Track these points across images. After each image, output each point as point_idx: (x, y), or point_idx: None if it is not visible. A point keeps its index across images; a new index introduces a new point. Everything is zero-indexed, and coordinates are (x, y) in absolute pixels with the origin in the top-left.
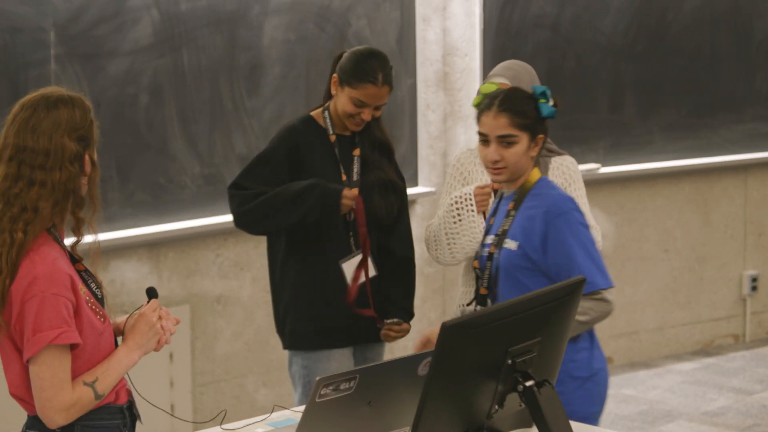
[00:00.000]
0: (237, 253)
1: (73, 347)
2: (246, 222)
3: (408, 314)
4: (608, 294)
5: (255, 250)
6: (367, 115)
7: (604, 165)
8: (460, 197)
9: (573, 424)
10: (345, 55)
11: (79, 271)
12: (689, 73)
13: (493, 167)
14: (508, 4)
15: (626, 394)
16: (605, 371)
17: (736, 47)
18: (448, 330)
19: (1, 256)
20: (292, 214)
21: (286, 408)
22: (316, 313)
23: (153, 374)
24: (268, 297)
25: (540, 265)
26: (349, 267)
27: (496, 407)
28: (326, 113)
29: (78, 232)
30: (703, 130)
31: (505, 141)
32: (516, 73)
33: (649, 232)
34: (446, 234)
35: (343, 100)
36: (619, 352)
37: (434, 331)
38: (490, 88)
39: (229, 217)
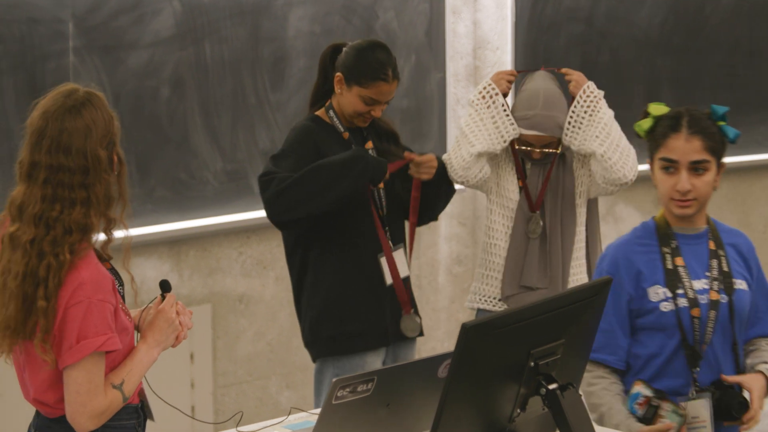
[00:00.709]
0: (260, 252)
1: (109, 351)
2: (287, 204)
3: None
4: None
5: (278, 248)
6: (377, 111)
7: (639, 162)
8: (484, 87)
9: (599, 429)
10: (345, 51)
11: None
12: (727, 68)
13: (682, 199)
14: None
15: None
16: None
17: None
18: (469, 331)
19: (47, 280)
20: (341, 185)
21: (303, 410)
22: (356, 315)
23: (173, 375)
24: (292, 297)
25: None
26: (385, 264)
27: (518, 411)
28: (331, 112)
29: (109, 231)
30: (742, 127)
31: (698, 167)
32: (557, 121)
33: None
34: (471, 124)
35: (351, 99)
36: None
37: None
38: (661, 109)
39: (252, 214)
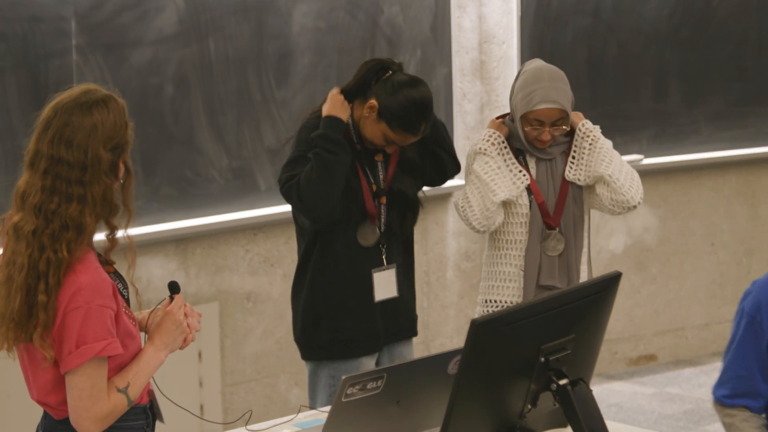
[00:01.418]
0: (267, 249)
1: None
2: (317, 189)
3: None
4: None
5: (285, 246)
6: (391, 149)
7: (647, 156)
8: (490, 136)
9: (610, 424)
10: (392, 84)
11: (109, 273)
12: (736, 60)
13: None
14: None
15: (671, 392)
16: None
17: None
18: (479, 327)
19: (47, 276)
20: (344, 160)
21: (313, 408)
22: (351, 324)
23: (182, 374)
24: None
25: None
26: (379, 278)
27: (529, 407)
28: (350, 120)
29: (112, 239)
30: (751, 119)
31: None
32: (561, 93)
33: (695, 226)
34: (489, 172)
35: (374, 129)
36: (664, 349)
37: None
38: None
39: (258, 212)
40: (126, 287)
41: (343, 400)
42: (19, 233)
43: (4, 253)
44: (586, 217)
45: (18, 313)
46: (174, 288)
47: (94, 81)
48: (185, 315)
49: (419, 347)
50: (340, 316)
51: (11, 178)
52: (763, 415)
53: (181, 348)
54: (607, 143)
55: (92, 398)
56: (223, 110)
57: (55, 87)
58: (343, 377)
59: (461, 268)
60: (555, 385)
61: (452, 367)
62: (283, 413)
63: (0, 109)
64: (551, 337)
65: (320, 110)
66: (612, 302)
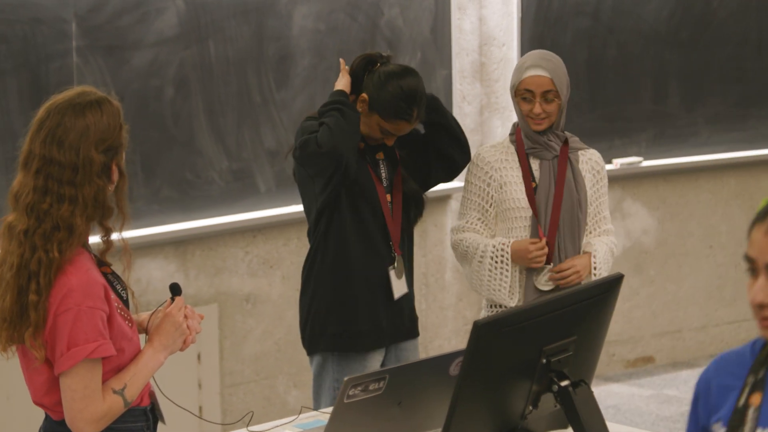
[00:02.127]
0: (266, 251)
1: (105, 357)
2: (337, 132)
3: None
4: None
5: (285, 248)
6: (390, 141)
7: (646, 158)
8: (496, 250)
9: (611, 425)
10: (377, 75)
11: (105, 274)
12: (736, 62)
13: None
14: None
15: (668, 394)
16: None
17: None
18: (481, 328)
19: (39, 276)
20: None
21: (317, 408)
22: (361, 316)
23: (181, 375)
24: (298, 296)
25: None
26: (394, 276)
27: (531, 408)
28: None
29: (107, 241)
30: (751, 121)
31: None
32: (553, 65)
33: (693, 228)
34: (475, 280)
35: (369, 123)
36: (662, 351)
37: None
38: None
39: (258, 214)
40: (125, 289)
41: (346, 401)
42: (12, 233)
43: None
44: (584, 225)
45: (10, 312)
46: (175, 290)
47: (95, 83)
48: (185, 317)
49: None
50: (349, 310)
51: (12, 179)
52: None
53: (182, 350)
54: (606, 263)
55: (86, 400)
56: (223, 112)
57: (55, 89)
58: (346, 378)
59: (460, 270)
60: (556, 387)
61: (454, 369)
62: (282, 414)
63: (0, 111)
64: (553, 338)
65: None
66: (614, 304)
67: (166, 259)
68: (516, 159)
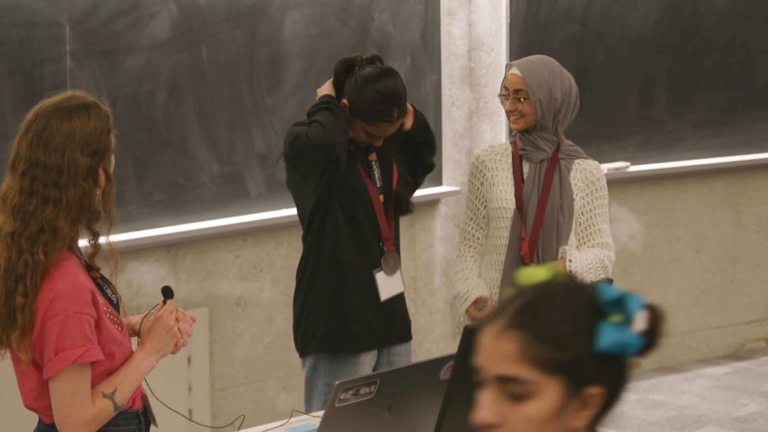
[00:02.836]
0: (256, 255)
1: (93, 361)
2: (327, 127)
3: None
4: None
5: (275, 251)
6: (378, 142)
7: (633, 163)
8: (458, 298)
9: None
10: (355, 80)
11: (94, 278)
12: (723, 68)
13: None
14: None
15: (655, 399)
16: None
17: None
18: (471, 333)
19: (25, 278)
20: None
21: (304, 413)
22: (354, 316)
23: (171, 378)
24: (289, 300)
25: None
26: (382, 277)
27: None
28: None
29: (94, 245)
30: (737, 127)
31: (511, 391)
32: (532, 65)
33: (680, 233)
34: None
35: (353, 127)
36: (648, 356)
37: None
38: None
39: (248, 218)
40: (114, 292)
41: (337, 404)
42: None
43: None
44: (573, 224)
45: None
46: (167, 293)
47: (88, 86)
48: (177, 320)
49: None
50: (341, 311)
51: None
52: None
53: (173, 353)
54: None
55: (74, 404)
56: (215, 116)
57: (49, 92)
58: (337, 382)
59: (448, 274)
60: None
61: (444, 373)
62: (271, 418)
63: None
64: None
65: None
66: None
67: (158, 262)
68: (510, 160)
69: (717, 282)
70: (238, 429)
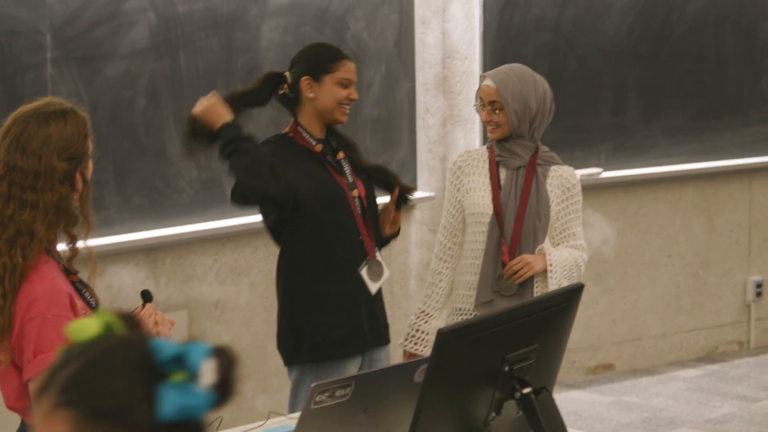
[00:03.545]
0: (235, 259)
1: None
2: (244, 171)
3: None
4: None
5: (253, 255)
6: (354, 93)
7: (606, 169)
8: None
9: None
10: (298, 57)
11: (73, 282)
12: (693, 76)
13: None
14: (508, 5)
15: (628, 401)
16: None
17: (742, 49)
18: (445, 336)
19: (4, 281)
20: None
21: (282, 414)
22: (339, 322)
23: None
24: (266, 303)
25: None
26: (366, 273)
27: (494, 414)
28: (299, 128)
29: (72, 248)
30: (708, 134)
31: None
32: (505, 76)
33: (652, 238)
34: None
35: (327, 90)
36: (622, 358)
37: None
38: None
39: (226, 222)
40: (92, 295)
41: (312, 407)
42: None
43: None
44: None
45: None
46: (146, 296)
47: (69, 93)
48: (156, 323)
49: None
50: (326, 316)
51: None
52: None
53: None
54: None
55: None
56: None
57: (30, 99)
58: (313, 384)
59: (423, 278)
60: (519, 394)
61: (418, 376)
62: (249, 420)
63: None
64: (515, 346)
65: (285, 133)
66: (574, 313)
67: (137, 266)
68: (487, 166)
69: (689, 286)
70: (217, 430)
